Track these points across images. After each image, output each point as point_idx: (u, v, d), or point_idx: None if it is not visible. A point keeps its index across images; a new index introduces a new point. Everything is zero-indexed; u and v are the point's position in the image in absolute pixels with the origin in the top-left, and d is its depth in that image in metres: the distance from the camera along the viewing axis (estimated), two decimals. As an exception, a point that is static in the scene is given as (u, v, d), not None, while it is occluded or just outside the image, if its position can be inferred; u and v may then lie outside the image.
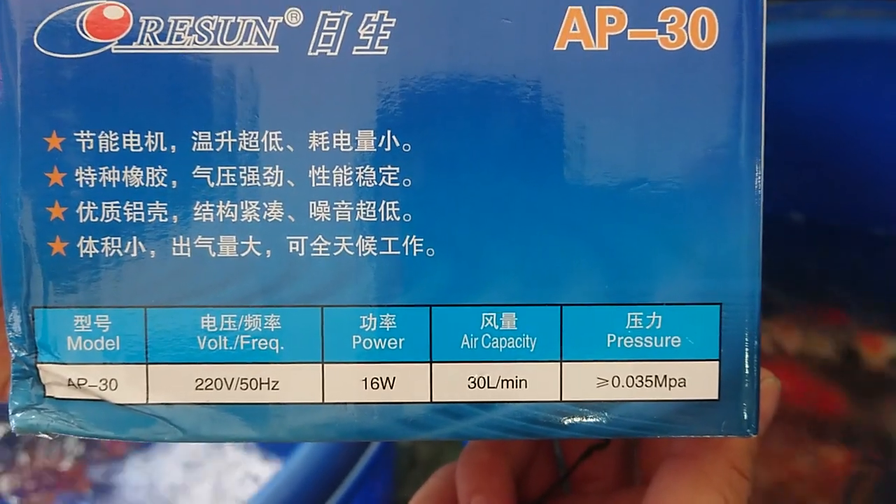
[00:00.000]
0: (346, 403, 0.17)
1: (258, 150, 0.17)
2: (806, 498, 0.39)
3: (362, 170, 0.17)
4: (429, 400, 0.17)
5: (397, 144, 0.17)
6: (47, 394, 0.17)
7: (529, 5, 0.17)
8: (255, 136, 0.17)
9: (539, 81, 0.17)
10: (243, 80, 0.17)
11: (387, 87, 0.17)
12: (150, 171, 0.17)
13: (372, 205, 0.17)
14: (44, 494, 0.42)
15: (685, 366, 0.18)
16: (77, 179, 0.17)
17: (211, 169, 0.17)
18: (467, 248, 0.17)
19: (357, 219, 0.17)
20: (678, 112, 0.17)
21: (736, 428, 0.18)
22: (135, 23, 0.17)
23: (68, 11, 0.17)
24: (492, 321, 0.17)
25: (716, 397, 0.18)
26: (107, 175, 0.17)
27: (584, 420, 0.18)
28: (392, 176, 0.17)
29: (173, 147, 0.17)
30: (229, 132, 0.17)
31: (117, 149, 0.17)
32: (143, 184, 0.17)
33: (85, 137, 0.17)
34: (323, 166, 0.17)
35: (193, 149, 0.17)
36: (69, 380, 0.17)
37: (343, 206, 0.17)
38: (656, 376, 0.18)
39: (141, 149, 0.17)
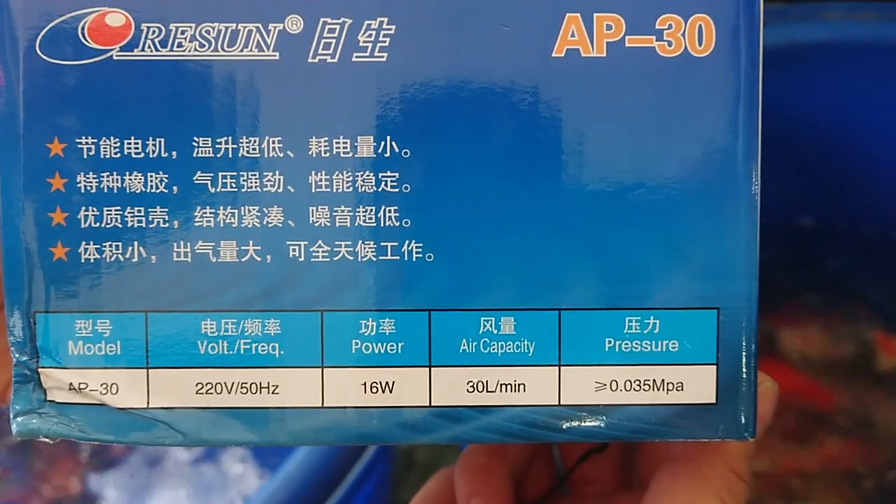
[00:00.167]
0: (345, 407, 0.18)
1: (258, 155, 0.17)
2: (813, 493, 0.39)
3: (362, 175, 0.17)
4: (428, 404, 0.18)
5: (397, 150, 0.17)
6: (48, 398, 0.18)
7: (528, 12, 0.17)
8: (255, 141, 0.17)
9: (537, 88, 0.17)
10: (244, 87, 0.17)
11: (386, 94, 0.17)
12: (151, 176, 0.17)
13: (371, 210, 0.17)
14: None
15: (683, 370, 0.18)
16: (79, 185, 0.17)
17: (211, 174, 0.17)
18: (466, 253, 0.17)
19: (357, 224, 0.17)
20: (676, 118, 0.17)
21: (733, 432, 0.18)
22: (136, 30, 0.17)
23: (70, 18, 0.17)
24: (490, 326, 0.18)
25: (713, 401, 0.18)
26: (108, 181, 0.17)
27: (583, 424, 0.18)
28: (391, 181, 0.17)
29: (174, 153, 0.17)
30: (230, 138, 0.17)
31: (118, 155, 0.17)
32: (144, 189, 0.17)
33: (87, 143, 0.17)
34: (323, 172, 0.17)
35: (194, 154, 0.17)
36: (70, 384, 0.17)
37: (343, 211, 0.17)
38: (654, 380, 0.18)
39: (142, 154, 0.17)
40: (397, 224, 0.17)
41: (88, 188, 0.17)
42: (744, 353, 0.18)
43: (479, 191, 0.17)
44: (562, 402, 0.18)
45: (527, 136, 0.17)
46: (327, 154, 0.17)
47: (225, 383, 0.18)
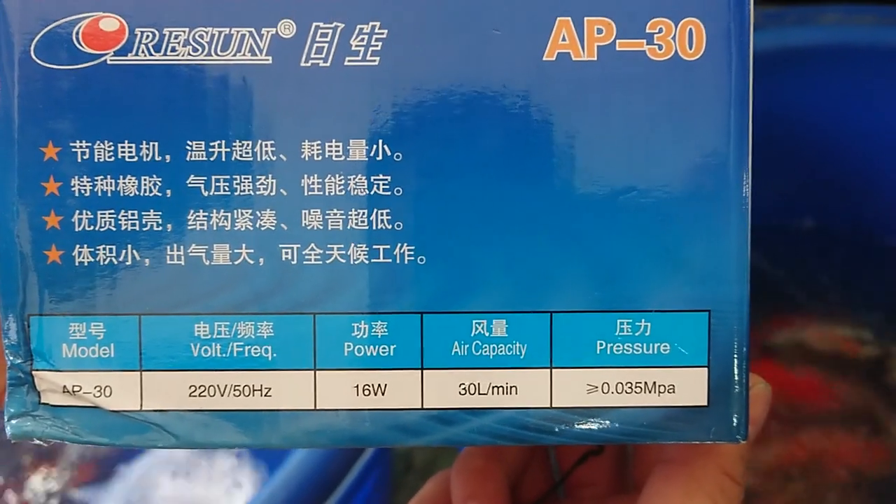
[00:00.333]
0: (337, 410, 0.18)
1: (251, 159, 0.17)
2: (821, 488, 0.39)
3: (354, 179, 0.17)
4: (420, 406, 0.18)
5: (389, 154, 0.17)
6: (42, 401, 0.18)
7: (519, 16, 0.17)
8: (248, 145, 0.17)
9: (528, 91, 0.17)
10: (237, 91, 0.17)
11: (378, 98, 0.17)
12: (145, 180, 0.17)
13: (364, 213, 0.17)
14: None
15: (674, 372, 0.18)
16: (73, 189, 0.17)
17: (205, 178, 0.17)
18: (458, 256, 0.17)
19: (349, 227, 0.17)
20: (667, 121, 0.17)
21: (725, 434, 0.18)
22: (130, 34, 0.17)
23: (65, 23, 0.17)
24: (482, 328, 0.18)
25: (705, 403, 0.18)
26: (102, 184, 0.17)
27: (575, 426, 0.18)
28: (384, 185, 0.17)
29: (167, 156, 0.17)
30: (223, 142, 0.17)
31: (112, 158, 0.17)
32: (137, 193, 0.17)
33: (81, 147, 0.17)
34: (315, 175, 0.17)
35: (187, 158, 0.17)
36: (64, 387, 0.18)
37: (335, 214, 0.17)
38: (645, 383, 0.18)
39: (136, 158, 0.17)
40: (389, 227, 0.17)
41: (82, 192, 0.17)
42: (735, 356, 0.18)
43: (471, 194, 0.17)
44: (554, 405, 0.18)
45: (518, 140, 0.17)
46: (320, 157, 0.17)
47: (218, 386, 0.18)
